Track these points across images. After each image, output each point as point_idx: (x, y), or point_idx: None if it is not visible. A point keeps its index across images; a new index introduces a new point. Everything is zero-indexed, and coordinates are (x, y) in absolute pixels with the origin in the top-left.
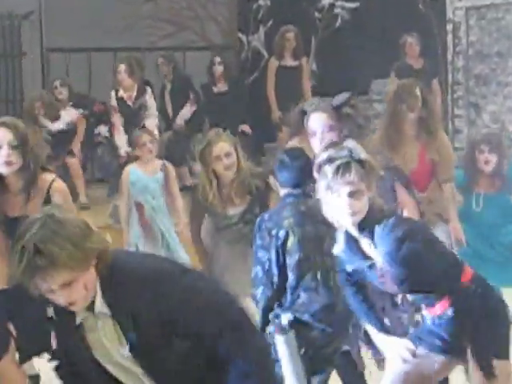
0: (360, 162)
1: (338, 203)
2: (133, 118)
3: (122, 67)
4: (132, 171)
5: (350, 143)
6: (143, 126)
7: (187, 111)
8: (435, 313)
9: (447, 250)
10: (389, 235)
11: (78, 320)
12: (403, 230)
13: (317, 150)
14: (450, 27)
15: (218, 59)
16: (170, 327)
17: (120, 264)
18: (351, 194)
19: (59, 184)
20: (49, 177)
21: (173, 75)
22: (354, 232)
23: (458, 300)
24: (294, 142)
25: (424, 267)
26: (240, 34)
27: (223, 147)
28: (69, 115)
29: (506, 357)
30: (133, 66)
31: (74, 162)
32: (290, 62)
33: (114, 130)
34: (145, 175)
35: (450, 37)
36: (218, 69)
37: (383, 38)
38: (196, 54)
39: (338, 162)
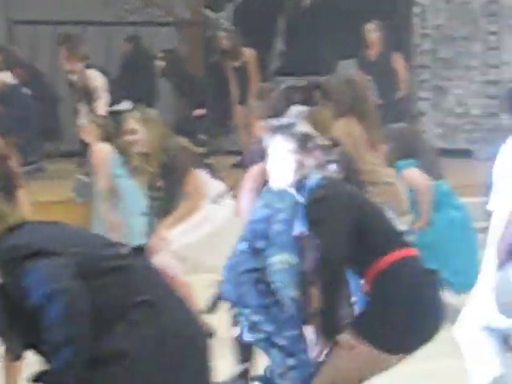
0: (296, 133)
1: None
2: (86, 98)
3: (61, 50)
4: None
5: (294, 117)
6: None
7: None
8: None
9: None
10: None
11: None
12: (323, 192)
13: None
14: (417, 10)
15: (160, 54)
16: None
17: (10, 239)
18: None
19: None
20: None
21: (132, 53)
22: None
23: (374, 280)
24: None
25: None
26: (207, 11)
27: (129, 124)
28: None
29: (384, 349)
30: (71, 49)
31: None
32: (235, 62)
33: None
34: None
35: (417, 20)
36: (161, 64)
37: (350, 18)
38: (164, 30)
39: (276, 134)
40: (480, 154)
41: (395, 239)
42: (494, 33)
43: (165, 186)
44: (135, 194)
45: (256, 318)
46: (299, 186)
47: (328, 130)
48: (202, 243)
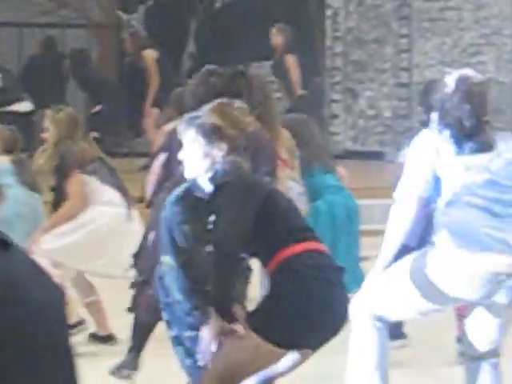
0: (203, 124)
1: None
2: None
3: None
4: None
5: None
6: None
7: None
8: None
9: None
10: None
11: None
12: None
13: None
14: (329, 12)
15: (69, 53)
16: None
17: None
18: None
19: None
20: None
21: (43, 54)
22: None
23: (273, 272)
24: None
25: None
26: (120, 13)
27: (45, 122)
28: None
29: (275, 343)
30: None
31: None
32: (141, 63)
33: None
34: None
35: (328, 22)
36: (68, 63)
37: (262, 21)
38: (76, 32)
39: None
40: (391, 156)
41: (300, 233)
42: (405, 36)
43: (55, 189)
44: (19, 206)
45: (167, 315)
46: (209, 177)
47: (237, 122)
48: (78, 247)
